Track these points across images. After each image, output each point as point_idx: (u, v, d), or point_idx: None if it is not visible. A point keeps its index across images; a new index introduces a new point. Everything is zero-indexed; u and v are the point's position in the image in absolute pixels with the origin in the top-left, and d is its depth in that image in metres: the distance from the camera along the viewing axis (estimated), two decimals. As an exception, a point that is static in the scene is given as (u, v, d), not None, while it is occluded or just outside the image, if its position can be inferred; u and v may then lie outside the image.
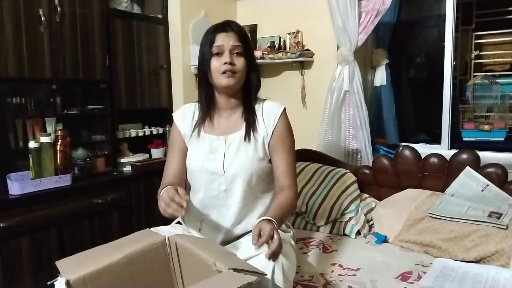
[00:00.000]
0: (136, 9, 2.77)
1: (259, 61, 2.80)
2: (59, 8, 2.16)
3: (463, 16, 3.39)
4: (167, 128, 2.82)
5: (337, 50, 2.61)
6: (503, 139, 2.73)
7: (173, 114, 1.58)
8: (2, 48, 1.99)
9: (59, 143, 2.16)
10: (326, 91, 2.66)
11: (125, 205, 2.47)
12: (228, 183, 1.43)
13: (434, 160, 2.12)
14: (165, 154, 2.66)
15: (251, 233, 1.23)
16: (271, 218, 1.22)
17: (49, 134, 2.14)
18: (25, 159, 2.10)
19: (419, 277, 1.56)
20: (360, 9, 2.52)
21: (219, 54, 1.41)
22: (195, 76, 1.54)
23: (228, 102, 1.48)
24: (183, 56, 2.84)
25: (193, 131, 1.50)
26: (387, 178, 2.25)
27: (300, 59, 2.76)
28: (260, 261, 1.15)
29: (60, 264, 1.07)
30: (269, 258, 1.15)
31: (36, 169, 2.08)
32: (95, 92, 2.51)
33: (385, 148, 2.74)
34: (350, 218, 2.07)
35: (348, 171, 2.30)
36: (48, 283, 1.11)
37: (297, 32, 2.81)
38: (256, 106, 1.49)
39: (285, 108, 1.50)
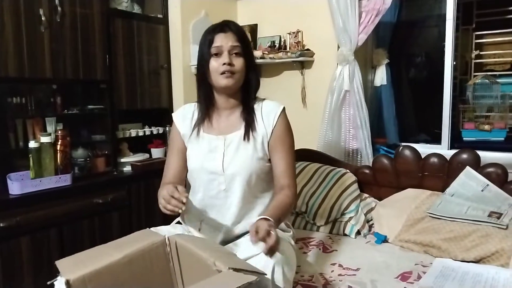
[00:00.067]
0: (137, 9, 2.77)
1: (259, 61, 2.80)
2: (59, 8, 2.16)
3: (464, 15, 3.39)
4: (167, 128, 2.82)
5: (338, 50, 2.60)
6: (503, 139, 2.73)
7: (172, 114, 1.58)
8: (3, 48, 1.99)
9: (59, 143, 2.16)
10: (326, 91, 2.66)
11: (125, 205, 2.47)
12: (227, 182, 1.43)
13: (434, 160, 2.12)
14: (165, 154, 2.66)
15: (251, 232, 1.23)
16: (268, 217, 1.22)
17: (49, 134, 2.14)
18: (25, 159, 2.10)
19: (419, 277, 1.56)
20: (361, 9, 2.52)
21: (218, 54, 1.41)
22: (195, 76, 1.54)
23: (227, 102, 1.49)
24: (183, 56, 2.84)
25: (192, 131, 1.50)
26: (387, 178, 2.25)
27: (301, 59, 2.76)
28: (260, 261, 1.16)
29: (60, 263, 1.07)
30: (266, 254, 1.15)
31: (36, 169, 2.08)
32: (95, 92, 2.51)
33: (385, 148, 2.74)
34: (350, 218, 2.07)
35: (348, 171, 2.30)
36: (48, 283, 1.11)
37: (298, 32, 2.81)
38: (255, 106, 1.49)
39: (284, 108, 1.50)
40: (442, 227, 1.82)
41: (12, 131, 2.15)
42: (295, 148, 1.54)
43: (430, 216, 1.89)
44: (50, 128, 2.26)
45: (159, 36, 2.83)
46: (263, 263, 1.15)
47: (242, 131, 1.45)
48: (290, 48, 2.84)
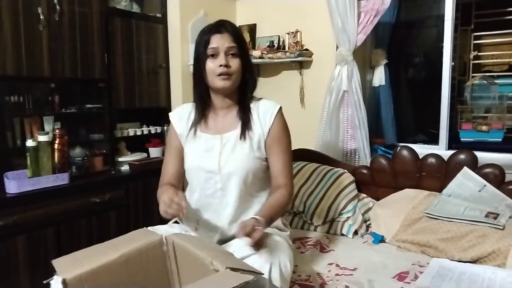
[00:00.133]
0: (135, 8, 2.77)
1: (258, 60, 2.80)
2: (58, 7, 2.16)
3: (462, 16, 3.39)
4: (165, 127, 2.82)
5: (336, 50, 2.61)
6: (500, 139, 2.73)
7: (169, 114, 1.58)
8: (1, 47, 1.98)
9: (57, 141, 2.16)
10: (324, 91, 2.66)
11: (122, 204, 2.46)
12: (223, 181, 1.43)
13: (432, 160, 2.13)
14: (163, 153, 2.64)
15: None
16: (258, 217, 1.22)
17: (47, 133, 2.13)
18: (22, 158, 2.10)
19: (416, 277, 1.56)
20: (359, 9, 2.53)
21: (214, 55, 1.40)
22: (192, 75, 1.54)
23: (223, 101, 1.49)
24: (182, 55, 2.84)
25: (189, 131, 1.50)
26: (385, 178, 2.25)
27: (299, 58, 2.76)
28: (257, 260, 1.16)
29: (57, 263, 1.07)
30: (251, 246, 1.18)
31: (33, 167, 2.07)
32: (93, 91, 2.50)
33: (383, 148, 2.75)
34: (348, 218, 2.07)
35: (346, 171, 2.30)
36: (44, 282, 1.11)
37: (296, 31, 2.81)
38: (252, 105, 1.49)
39: (281, 107, 1.50)
40: (439, 227, 1.82)
41: (9, 130, 2.15)
42: (293, 148, 1.54)
43: (427, 216, 1.90)
44: (48, 127, 2.26)
45: (158, 35, 2.83)
46: (260, 262, 1.15)
47: (238, 130, 1.45)
48: (288, 48, 2.84)
